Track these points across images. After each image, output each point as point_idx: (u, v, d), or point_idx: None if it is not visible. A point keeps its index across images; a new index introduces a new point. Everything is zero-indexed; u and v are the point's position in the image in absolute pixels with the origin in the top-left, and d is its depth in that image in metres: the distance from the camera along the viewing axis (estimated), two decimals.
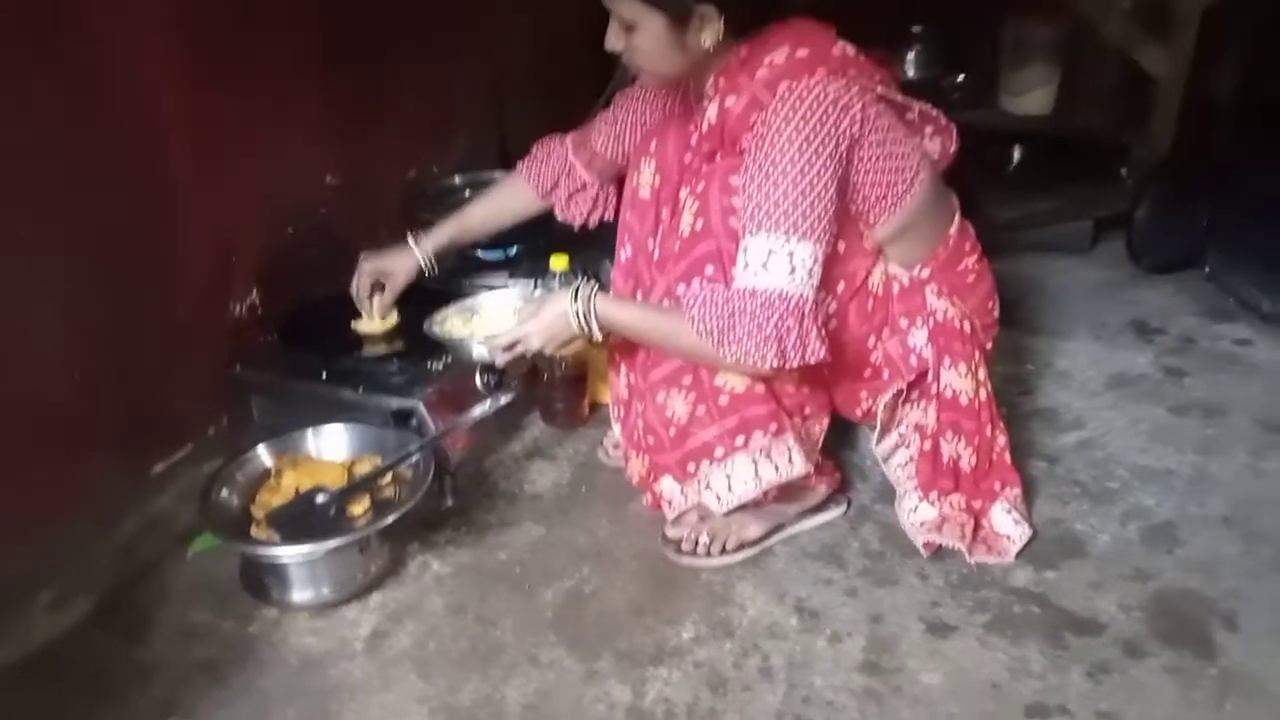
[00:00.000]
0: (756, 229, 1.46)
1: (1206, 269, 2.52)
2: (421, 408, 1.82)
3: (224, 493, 1.71)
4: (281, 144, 2.03)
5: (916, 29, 3.00)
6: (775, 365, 1.46)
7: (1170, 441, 2.00)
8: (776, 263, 1.45)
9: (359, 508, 1.70)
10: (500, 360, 1.68)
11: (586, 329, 1.58)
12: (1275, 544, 1.73)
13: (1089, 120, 2.87)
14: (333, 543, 1.60)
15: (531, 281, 2.10)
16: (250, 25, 1.89)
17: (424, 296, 2.05)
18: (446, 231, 1.97)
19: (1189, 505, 1.83)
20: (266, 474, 1.76)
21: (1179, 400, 2.13)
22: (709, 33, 1.52)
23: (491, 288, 2.14)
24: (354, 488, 1.70)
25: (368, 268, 1.95)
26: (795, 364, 1.47)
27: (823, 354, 1.48)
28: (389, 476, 1.74)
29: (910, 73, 3.00)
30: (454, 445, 1.86)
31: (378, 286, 1.96)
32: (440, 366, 1.89)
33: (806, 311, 1.46)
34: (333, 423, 1.82)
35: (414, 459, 1.73)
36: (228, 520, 1.68)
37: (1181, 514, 1.81)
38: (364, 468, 1.76)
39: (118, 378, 1.73)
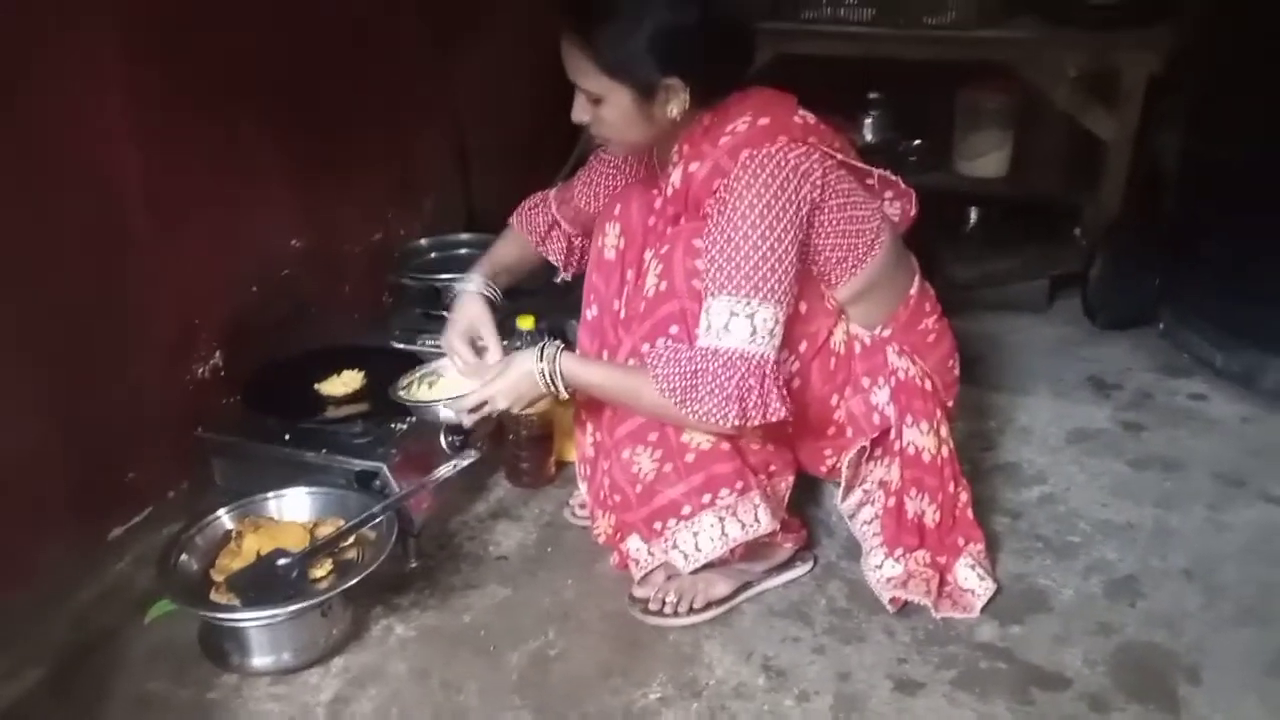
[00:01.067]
0: (718, 291, 1.48)
1: (1160, 326, 2.58)
2: (385, 469, 1.81)
3: (183, 557, 1.68)
4: (246, 206, 2.04)
5: (874, 96, 3.08)
6: (736, 424, 1.48)
7: (1130, 495, 2.03)
8: (738, 325, 1.47)
9: (321, 571, 1.67)
10: (467, 421, 1.69)
11: (553, 388, 1.59)
12: (1236, 597, 1.75)
13: (1042, 183, 2.95)
14: (294, 606, 1.58)
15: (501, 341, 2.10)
16: (215, 88, 1.91)
17: (387, 358, 2.05)
18: (487, 268, 1.90)
19: (1150, 559, 1.85)
20: (227, 537, 1.74)
21: (1138, 454, 2.16)
22: (675, 104, 1.55)
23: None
24: (316, 550, 1.68)
25: (454, 330, 1.81)
26: (756, 423, 1.49)
27: (783, 413, 1.50)
28: (352, 539, 1.72)
29: (868, 137, 3.07)
30: (418, 506, 1.85)
31: (472, 343, 1.83)
32: (405, 427, 1.89)
33: (767, 372, 1.48)
34: (295, 485, 1.80)
35: (377, 521, 1.72)
36: (187, 585, 1.65)
37: (1143, 567, 1.83)
38: (326, 530, 1.74)
39: (74, 442, 1.72)
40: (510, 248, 1.97)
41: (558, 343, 1.62)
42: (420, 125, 2.57)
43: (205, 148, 1.91)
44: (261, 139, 2.04)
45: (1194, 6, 2.54)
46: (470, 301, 1.83)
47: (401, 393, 1.82)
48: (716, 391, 1.46)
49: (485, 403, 1.64)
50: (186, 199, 1.89)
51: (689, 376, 1.48)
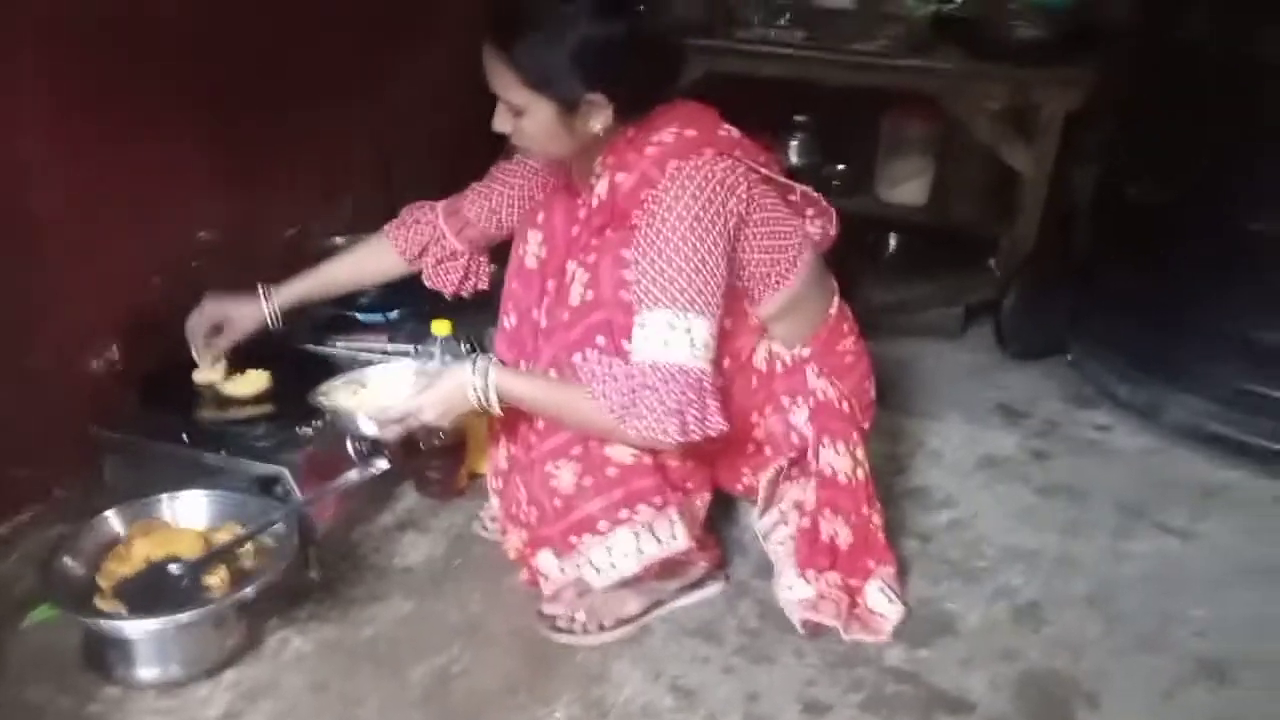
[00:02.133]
0: (654, 304, 1.47)
1: (1069, 357, 2.64)
2: (288, 474, 1.75)
3: (68, 560, 1.60)
4: (154, 195, 1.97)
5: (800, 119, 3.10)
6: (678, 439, 1.46)
7: (1036, 523, 2.06)
8: (676, 338, 1.46)
9: (215, 579, 1.60)
10: (390, 434, 1.63)
11: (485, 402, 1.55)
12: (1135, 625, 1.79)
13: (960, 213, 3.00)
14: (184, 616, 1.51)
15: (420, 356, 2.05)
16: (128, 75, 1.84)
17: (296, 358, 1.99)
18: (302, 287, 1.93)
19: (1054, 585, 1.88)
20: (117, 541, 1.66)
21: (1044, 482, 2.21)
22: (598, 120, 1.53)
23: (370, 351, 2.10)
24: (210, 557, 1.61)
25: (208, 309, 1.88)
26: (697, 437, 1.48)
27: (723, 426, 1.49)
28: (249, 546, 1.66)
29: (794, 160, 3.08)
30: (321, 515, 1.79)
31: (215, 330, 1.89)
32: (310, 432, 1.82)
33: (706, 385, 1.47)
34: (191, 488, 1.72)
35: (277, 528, 1.65)
36: (71, 590, 1.57)
37: (1047, 594, 1.86)
38: (223, 537, 1.67)
39: None
40: (358, 261, 1.96)
41: (489, 355, 1.60)
42: (343, 121, 2.51)
43: (117, 131, 1.84)
44: (174, 128, 1.97)
45: (1111, 47, 2.63)
46: (249, 306, 1.88)
47: (322, 398, 1.75)
48: (658, 406, 1.45)
49: (409, 415, 1.60)
50: (90, 186, 1.81)
51: (629, 393, 1.46)
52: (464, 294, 1.98)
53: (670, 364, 1.46)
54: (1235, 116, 2.15)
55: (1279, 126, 2.10)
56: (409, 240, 1.93)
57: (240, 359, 1.96)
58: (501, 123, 1.57)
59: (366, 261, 1.97)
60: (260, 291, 1.90)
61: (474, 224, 1.88)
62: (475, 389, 1.55)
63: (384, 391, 1.77)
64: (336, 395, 1.77)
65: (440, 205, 1.93)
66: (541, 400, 1.58)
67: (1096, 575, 1.91)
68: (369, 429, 1.65)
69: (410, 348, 2.08)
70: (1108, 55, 2.59)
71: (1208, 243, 2.23)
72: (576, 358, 1.55)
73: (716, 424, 1.49)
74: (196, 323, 1.88)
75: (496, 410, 1.57)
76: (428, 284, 1.97)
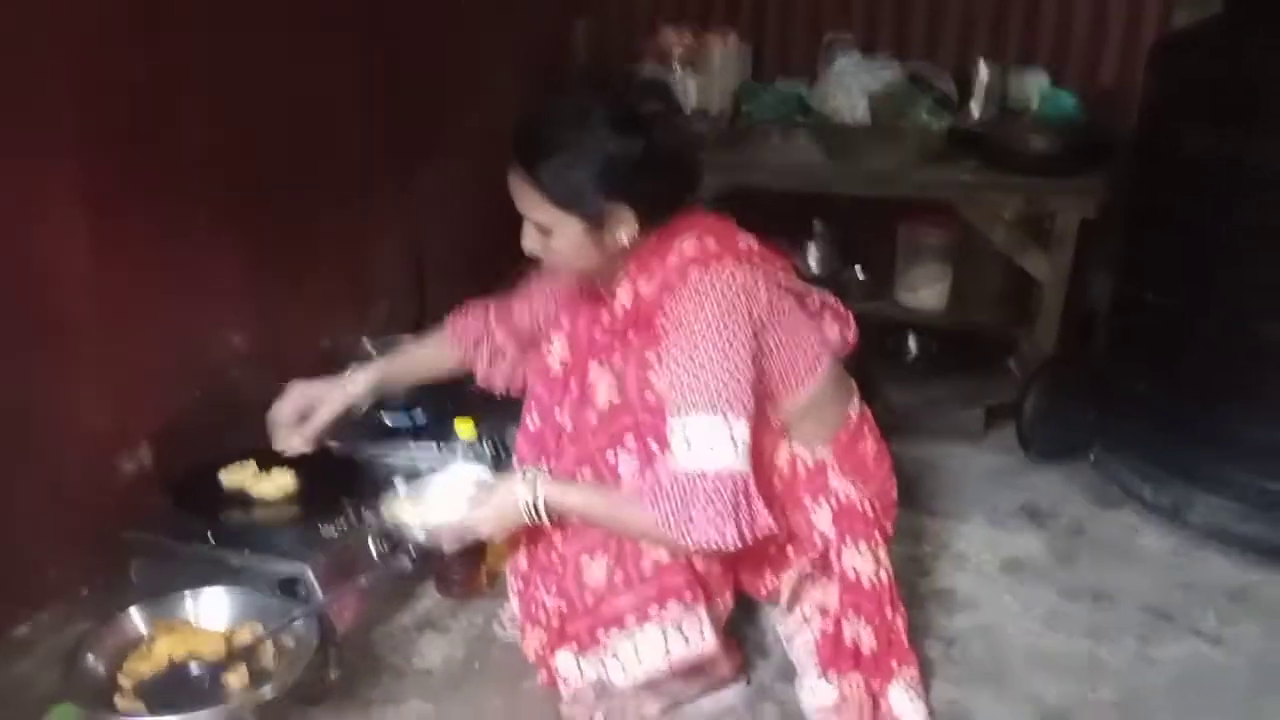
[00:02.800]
0: (691, 408, 1.49)
1: (1092, 458, 2.62)
2: (308, 572, 1.76)
3: (90, 659, 1.61)
4: (191, 301, 2.03)
5: (818, 226, 3.17)
6: (737, 544, 1.48)
7: (1062, 626, 2.03)
8: (721, 441, 1.48)
9: (236, 679, 1.60)
10: (449, 549, 1.68)
11: (536, 516, 1.58)
12: None
13: (979, 316, 3.03)
14: (204, 716, 1.50)
15: (438, 445, 2.09)
16: (169, 183, 1.92)
17: (322, 459, 2.02)
18: (377, 372, 1.95)
19: (1081, 691, 1.84)
20: (139, 639, 1.66)
21: (1070, 585, 2.17)
22: (624, 231, 1.59)
23: (394, 451, 2.13)
24: (231, 658, 1.61)
25: (294, 393, 1.90)
26: (750, 539, 1.49)
27: (774, 526, 1.52)
28: (270, 645, 1.66)
29: (812, 265, 3.15)
30: (341, 614, 1.79)
31: (300, 417, 1.88)
32: (334, 531, 1.84)
33: (752, 487, 1.50)
34: (212, 586, 1.74)
35: (297, 627, 1.66)
36: (91, 689, 1.57)
37: (1075, 700, 1.82)
38: (244, 636, 1.68)
39: None
40: (431, 351, 1.99)
41: (538, 468, 1.63)
42: (376, 230, 2.59)
43: (153, 239, 1.91)
44: (212, 234, 2.05)
45: (1125, 157, 2.69)
46: (336, 389, 1.89)
47: (385, 511, 1.75)
48: (715, 516, 1.47)
49: (465, 531, 1.64)
50: (129, 290, 1.87)
51: (681, 504, 1.48)
52: (511, 392, 1.99)
53: (717, 471, 1.47)
54: (1238, 225, 2.19)
55: (1273, 232, 2.13)
56: (466, 332, 1.98)
57: (267, 461, 2.00)
58: (530, 242, 1.63)
59: (430, 354, 2.00)
60: (347, 374, 1.92)
61: (519, 325, 1.93)
62: (525, 503, 1.58)
63: (443, 501, 1.76)
64: (395, 507, 1.77)
65: (492, 305, 1.99)
66: (594, 512, 1.60)
67: (1125, 681, 1.87)
68: (433, 544, 1.68)
69: (433, 444, 2.11)
70: (1119, 165, 2.65)
71: (1224, 347, 2.25)
72: (609, 456, 1.59)
73: (766, 524, 1.51)
74: (281, 408, 1.89)
75: (546, 523, 1.60)
76: (480, 381, 2.00)
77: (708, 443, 1.48)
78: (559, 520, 1.64)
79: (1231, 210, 2.20)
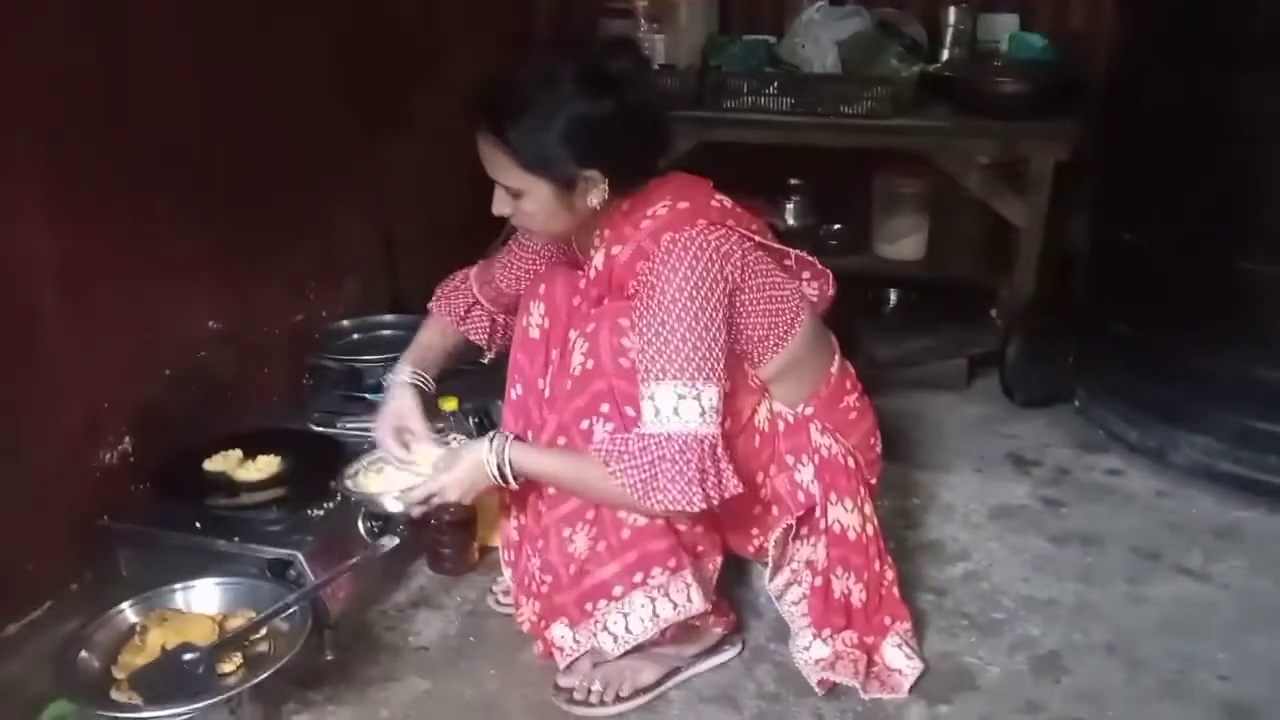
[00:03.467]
0: (661, 375, 1.49)
1: (1076, 403, 2.64)
2: (300, 557, 1.75)
3: (83, 654, 1.59)
4: (161, 287, 2.00)
5: (794, 182, 3.15)
6: (702, 506, 1.48)
7: (1052, 571, 2.05)
8: (688, 408, 1.48)
9: (230, 665, 1.59)
10: (416, 513, 1.67)
11: (502, 478, 1.58)
12: (1157, 671, 1.77)
13: (958, 266, 3.03)
14: (200, 704, 1.50)
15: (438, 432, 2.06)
16: (131, 167, 1.88)
17: (306, 442, 2.01)
18: (409, 358, 1.88)
19: (1073, 634, 1.86)
20: (131, 632, 1.65)
21: (1058, 530, 2.19)
22: (595, 195, 1.57)
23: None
24: (224, 644, 1.60)
25: (384, 427, 1.77)
26: (716, 501, 1.49)
27: (740, 488, 1.51)
28: (263, 631, 1.65)
29: (790, 222, 3.13)
30: (334, 596, 1.78)
31: (399, 432, 1.79)
32: (321, 514, 1.84)
33: (719, 450, 1.50)
34: (204, 576, 1.73)
35: (291, 611, 1.65)
36: (86, 683, 1.56)
37: (1066, 643, 1.84)
38: (237, 623, 1.67)
39: None
40: (433, 333, 1.95)
41: (506, 433, 1.62)
42: (345, 206, 2.56)
43: (119, 227, 1.87)
44: (178, 218, 2.01)
45: (1097, 99, 2.67)
46: (398, 393, 1.82)
47: (348, 483, 1.77)
48: (678, 478, 1.47)
49: (434, 494, 1.62)
50: (97, 280, 1.84)
51: (647, 467, 1.48)
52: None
53: (684, 434, 1.47)
54: (1211, 163, 2.18)
55: (1251, 170, 2.13)
56: (452, 305, 1.95)
57: (250, 444, 1.98)
58: (501, 205, 1.61)
59: (433, 338, 1.93)
60: (397, 378, 1.83)
61: (504, 291, 1.91)
62: (493, 465, 1.57)
63: (403, 471, 1.78)
64: (360, 478, 1.79)
65: (472, 274, 1.96)
66: (559, 476, 1.60)
67: (1116, 622, 1.90)
68: (395, 509, 1.68)
69: (437, 434, 2.09)
70: (1092, 107, 2.64)
71: (1202, 284, 2.26)
72: (584, 424, 1.58)
73: (733, 485, 1.51)
74: (384, 434, 1.78)
75: (514, 485, 1.60)
76: (483, 346, 1.97)
77: (675, 408, 1.48)
78: (532, 484, 1.64)
79: (1204, 149, 2.20)
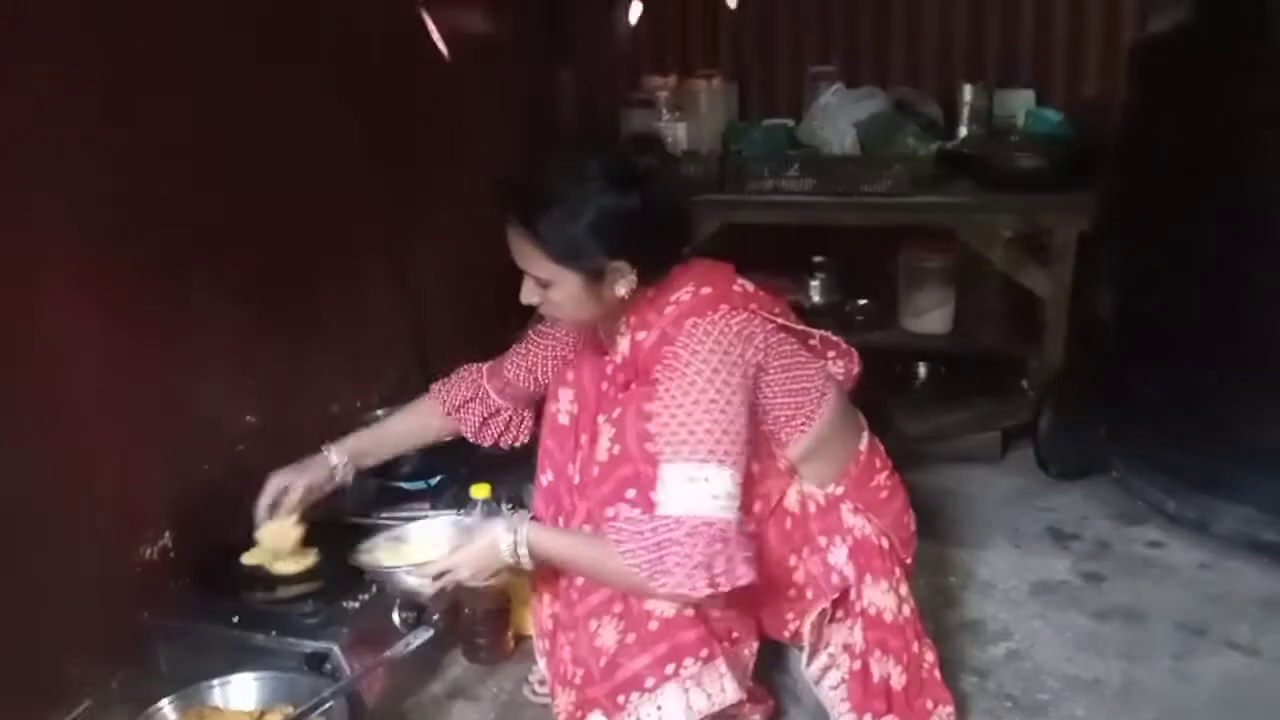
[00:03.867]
0: (673, 456, 1.49)
1: (1113, 474, 2.61)
2: (336, 650, 1.75)
3: None
4: (198, 381, 2.03)
5: (818, 259, 3.19)
6: (707, 592, 1.47)
7: (1095, 649, 2.01)
8: (697, 490, 1.48)
9: None
10: (430, 589, 1.67)
11: (517, 559, 1.59)
12: None
13: (986, 338, 3.04)
14: None
15: (458, 510, 2.09)
16: (168, 261, 1.92)
17: (343, 533, 2.02)
18: (358, 442, 1.98)
19: (1120, 715, 1.82)
20: None
21: (1100, 606, 2.16)
22: (623, 285, 1.61)
23: (415, 517, 2.13)
24: None
25: (273, 482, 1.90)
26: (725, 589, 1.48)
27: (751, 576, 1.50)
28: None
29: (816, 299, 3.16)
30: (370, 688, 1.78)
31: (280, 496, 1.90)
32: (357, 605, 1.84)
33: (731, 536, 1.48)
34: (241, 671, 1.74)
35: (328, 705, 1.65)
36: None
37: None
38: (275, 719, 1.67)
39: (4, 634, 1.63)
40: (407, 420, 2.02)
41: (524, 512, 1.63)
42: (377, 296, 2.61)
43: (157, 322, 1.91)
44: (215, 313, 2.05)
45: (1117, 169, 2.69)
46: (313, 465, 1.91)
47: (364, 556, 1.79)
48: (684, 561, 1.46)
49: (447, 571, 1.63)
50: (128, 376, 1.86)
51: (654, 548, 1.47)
52: (503, 446, 2.04)
53: (694, 517, 1.47)
54: (1231, 225, 2.19)
55: (1269, 231, 2.14)
56: (450, 395, 1.99)
57: None
58: (530, 295, 1.65)
59: (415, 418, 2.02)
60: (324, 449, 1.94)
61: (513, 383, 1.95)
62: (507, 545, 1.58)
63: (424, 548, 1.80)
64: (377, 553, 1.81)
65: (484, 367, 2.01)
66: (573, 557, 1.60)
67: (1163, 701, 1.85)
68: (410, 584, 1.69)
69: (453, 514, 2.11)
70: (1109, 174, 2.66)
71: (1231, 349, 2.24)
72: (609, 510, 1.58)
73: (743, 574, 1.49)
74: (261, 501, 1.89)
75: (528, 566, 1.60)
76: (470, 439, 2.03)
77: (689, 491, 1.48)
78: (554, 571, 1.65)
79: (1223, 211, 2.21)
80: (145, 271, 1.88)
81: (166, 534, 1.97)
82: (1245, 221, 2.18)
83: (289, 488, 1.90)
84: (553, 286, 1.60)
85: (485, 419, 2.01)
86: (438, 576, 1.64)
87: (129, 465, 1.88)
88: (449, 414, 1.99)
